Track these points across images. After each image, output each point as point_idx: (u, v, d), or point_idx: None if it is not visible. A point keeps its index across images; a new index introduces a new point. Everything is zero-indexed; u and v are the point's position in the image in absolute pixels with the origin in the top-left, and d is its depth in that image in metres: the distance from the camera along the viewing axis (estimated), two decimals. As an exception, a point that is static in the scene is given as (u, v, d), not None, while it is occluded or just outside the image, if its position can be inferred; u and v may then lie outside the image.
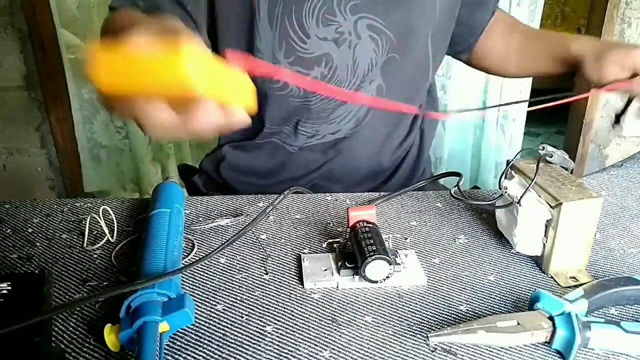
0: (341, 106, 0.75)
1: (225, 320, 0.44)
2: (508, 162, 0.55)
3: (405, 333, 0.43)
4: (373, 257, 0.46)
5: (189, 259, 0.52)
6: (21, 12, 1.82)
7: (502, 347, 0.41)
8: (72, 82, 1.99)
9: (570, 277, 0.50)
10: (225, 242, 0.49)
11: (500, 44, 0.85)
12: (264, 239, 0.56)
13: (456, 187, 0.56)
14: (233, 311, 0.45)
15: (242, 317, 0.44)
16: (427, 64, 0.78)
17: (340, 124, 0.77)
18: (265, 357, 0.40)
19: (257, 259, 0.52)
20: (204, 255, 0.52)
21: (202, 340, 0.42)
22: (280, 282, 0.49)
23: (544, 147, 0.54)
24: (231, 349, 0.41)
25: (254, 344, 0.42)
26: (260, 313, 0.45)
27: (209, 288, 0.48)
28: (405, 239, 0.56)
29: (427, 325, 0.44)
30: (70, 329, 0.43)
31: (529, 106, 0.53)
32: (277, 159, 0.79)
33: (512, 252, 0.54)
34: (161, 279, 0.42)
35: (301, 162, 0.78)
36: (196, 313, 0.45)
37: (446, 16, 0.75)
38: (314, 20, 0.69)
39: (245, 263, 0.52)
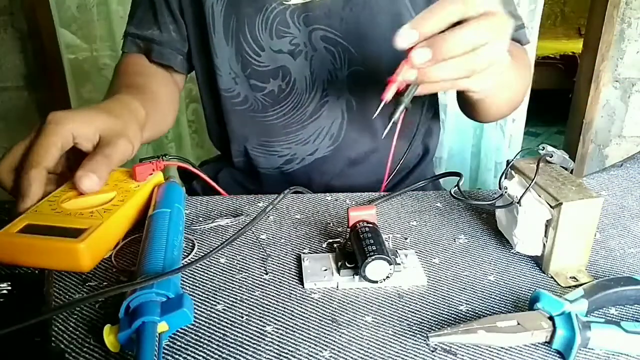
0: (311, 123, 0.73)
1: (225, 320, 0.44)
2: (508, 162, 0.55)
3: (405, 333, 0.43)
4: (373, 257, 0.46)
5: (189, 259, 0.52)
6: (21, 12, 1.82)
7: (502, 347, 0.41)
8: (72, 82, 1.99)
9: (570, 277, 0.50)
10: (225, 242, 0.49)
11: None
12: (264, 239, 0.56)
13: (456, 187, 0.56)
14: (233, 311, 0.45)
15: (242, 317, 0.44)
16: None
17: (316, 143, 0.74)
18: (265, 357, 0.40)
19: (257, 259, 0.52)
20: (203, 255, 0.52)
21: (202, 340, 0.42)
22: (280, 282, 0.49)
23: (544, 147, 0.54)
24: (231, 349, 0.41)
25: (254, 344, 0.42)
26: (260, 313, 0.45)
27: (209, 288, 0.48)
28: (405, 239, 0.56)
29: (427, 325, 0.44)
30: (70, 329, 0.43)
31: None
32: (261, 181, 0.78)
33: (512, 252, 0.54)
34: (159, 278, 0.42)
35: (286, 185, 0.77)
36: (196, 313, 0.45)
37: None
38: (268, 33, 0.68)
39: (245, 263, 0.52)
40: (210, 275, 0.50)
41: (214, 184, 0.66)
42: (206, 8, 0.69)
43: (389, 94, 0.47)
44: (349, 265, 0.49)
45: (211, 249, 0.49)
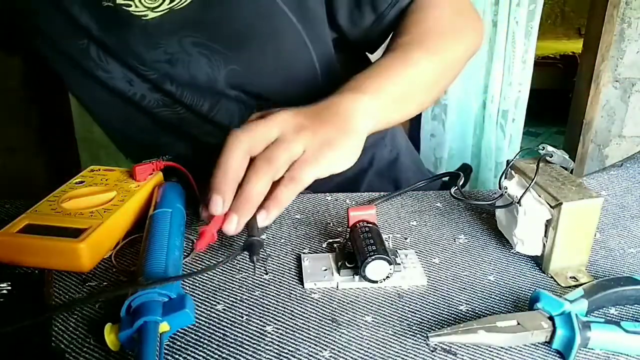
0: (210, 120, 0.74)
1: (225, 320, 0.44)
2: (508, 162, 0.55)
3: (405, 333, 0.43)
4: (373, 257, 0.46)
5: (189, 259, 0.52)
6: (21, 12, 1.82)
7: (502, 347, 0.41)
8: (72, 82, 1.99)
9: (570, 277, 0.50)
10: (226, 252, 0.49)
11: None
12: (264, 239, 0.56)
13: (456, 187, 0.56)
14: (233, 311, 0.45)
15: (242, 317, 0.44)
16: (314, 74, 0.73)
17: (220, 137, 0.76)
18: (265, 357, 0.40)
19: (257, 259, 0.52)
20: (203, 255, 0.52)
21: (202, 340, 0.42)
22: (280, 282, 0.49)
23: (544, 147, 0.54)
24: (231, 349, 0.41)
25: (254, 344, 0.42)
26: (260, 313, 0.45)
27: (209, 288, 0.48)
28: (405, 239, 0.56)
29: (427, 325, 0.44)
30: (70, 329, 0.43)
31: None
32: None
33: (512, 252, 0.54)
34: (165, 282, 0.42)
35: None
36: (196, 313, 0.45)
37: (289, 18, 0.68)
38: (143, 46, 0.68)
39: (245, 263, 0.52)
40: (210, 275, 0.50)
41: (195, 187, 0.66)
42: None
43: (202, 244, 0.50)
44: (349, 265, 0.49)
45: (211, 250, 0.49)
